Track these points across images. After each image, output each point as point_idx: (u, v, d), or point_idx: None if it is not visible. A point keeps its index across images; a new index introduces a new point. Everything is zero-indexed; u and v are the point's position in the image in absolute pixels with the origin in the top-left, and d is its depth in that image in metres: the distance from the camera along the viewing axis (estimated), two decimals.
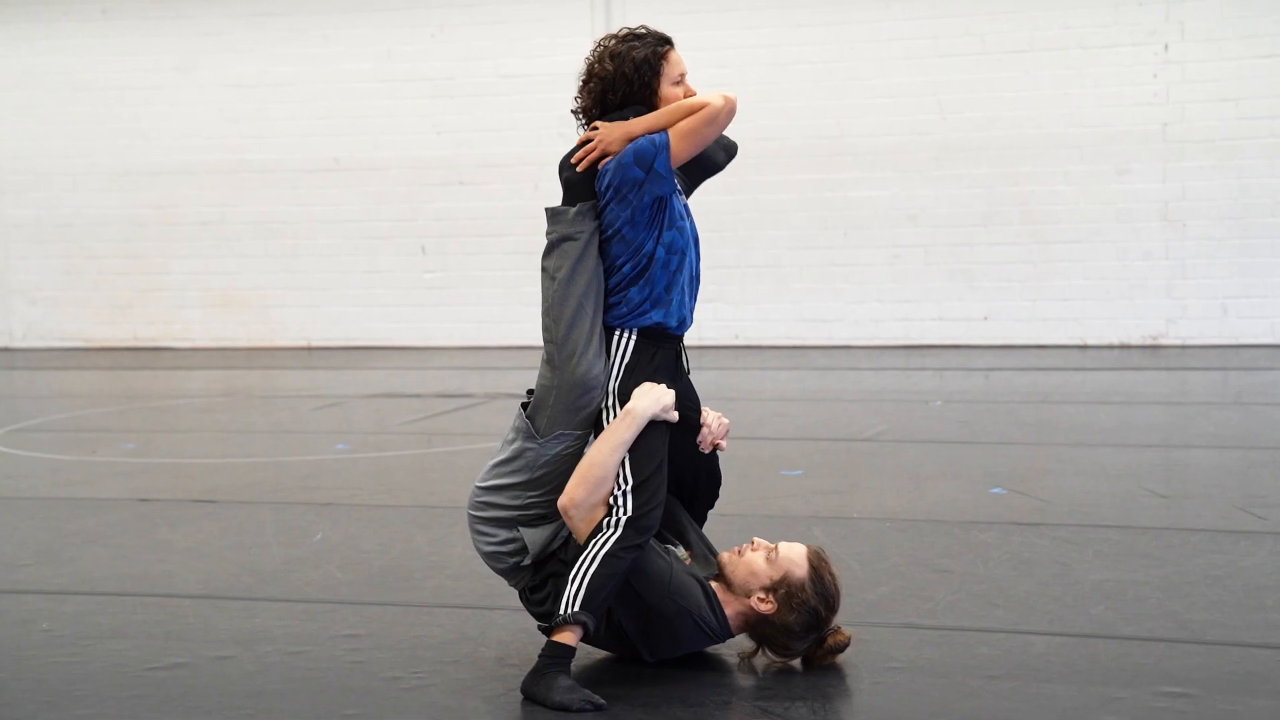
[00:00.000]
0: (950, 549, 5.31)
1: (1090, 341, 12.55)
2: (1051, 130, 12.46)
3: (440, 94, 13.37)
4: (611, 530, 3.82)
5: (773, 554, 3.93)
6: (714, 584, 4.00)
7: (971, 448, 7.69)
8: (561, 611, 3.75)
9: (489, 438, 3.94)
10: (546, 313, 3.97)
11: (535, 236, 14.17)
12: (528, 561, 3.96)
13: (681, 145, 3.93)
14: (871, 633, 4.27)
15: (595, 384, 3.95)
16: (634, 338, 3.98)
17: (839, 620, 4.00)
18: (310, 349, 13.46)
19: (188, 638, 4.34)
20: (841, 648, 3.94)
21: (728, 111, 3.95)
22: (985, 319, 12.73)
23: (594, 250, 3.97)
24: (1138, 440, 7.84)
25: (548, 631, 3.79)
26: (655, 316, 3.98)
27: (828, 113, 12.80)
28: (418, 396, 10.25)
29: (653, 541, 3.93)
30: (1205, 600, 4.57)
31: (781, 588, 3.88)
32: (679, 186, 4.07)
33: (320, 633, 4.36)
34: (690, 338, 4.27)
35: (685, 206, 4.11)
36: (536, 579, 3.97)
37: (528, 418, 3.97)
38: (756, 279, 13.03)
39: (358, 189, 13.54)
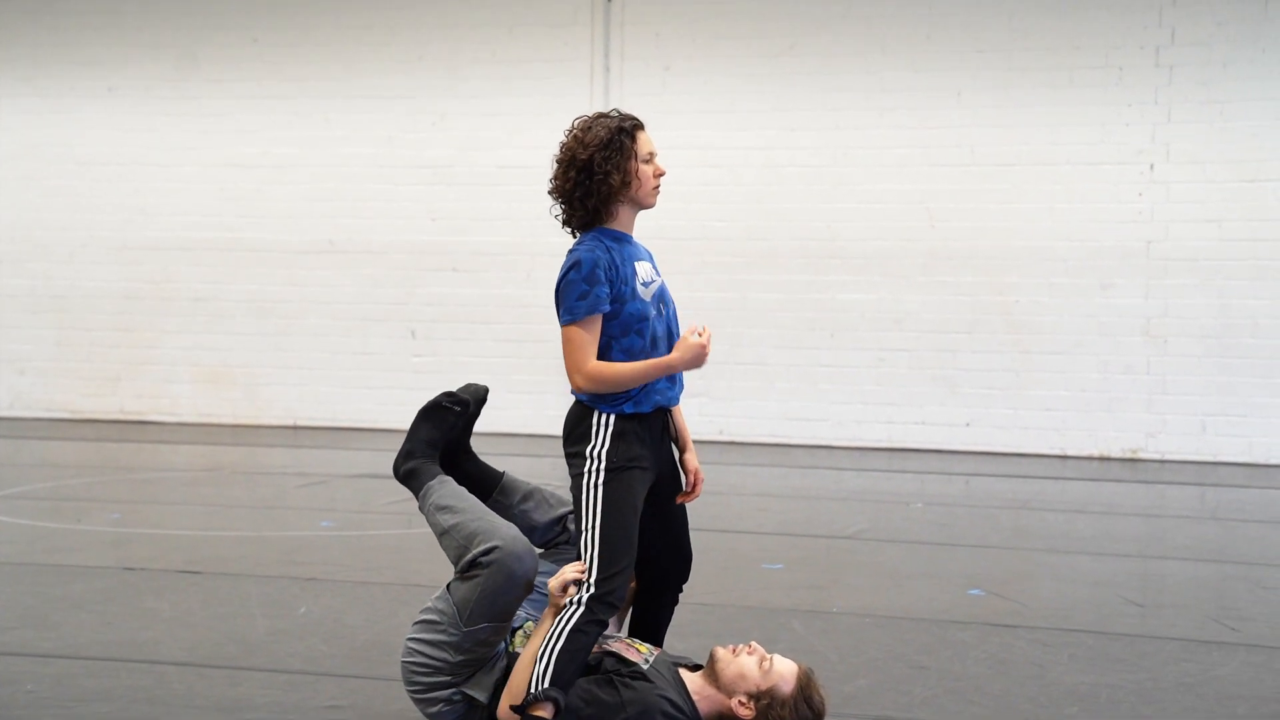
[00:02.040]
0: (928, 646, 5.37)
1: (1070, 452, 12.66)
2: (1037, 243, 12.66)
3: (439, 181, 13.56)
4: (576, 607, 3.89)
5: (766, 663, 4.01)
6: (690, 673, 4.07)
7: (951, 550, 7.76)
8: (531, 689, 3.81)
9: None
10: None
11: (526, 325, 14.19)
12: (484, 703, 4.02)
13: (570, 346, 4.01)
14: None
15: (522, 580, 3.99)
16: (613, 417, 4.07)
17: None
18: (296, 428, 13.52)
19: (171, 704, 4.38)
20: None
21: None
22: (967, 425, 12.85)
23: (450, 490, 4.22)
24: (1115, 550, 7.92)
25: (521, 710, 3.85)
26: (627, 408, 4.06)
27: (819, 215, 13.00)
28: None
29: (608, 669, 3.97)
30: (1178, 706, 4.64)
31: (765, 699, 3.97)
32: (637, 293, 4.09)
33: (303, 703, 4.41)
34: None
35: (653, 300, 4.17)
36: (492, 707, 4.03)
37: (454, 605, 4.00)
38: (743, 376, 13.16)
39: (352, 271, 13.68)
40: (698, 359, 3.99)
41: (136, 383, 14.04)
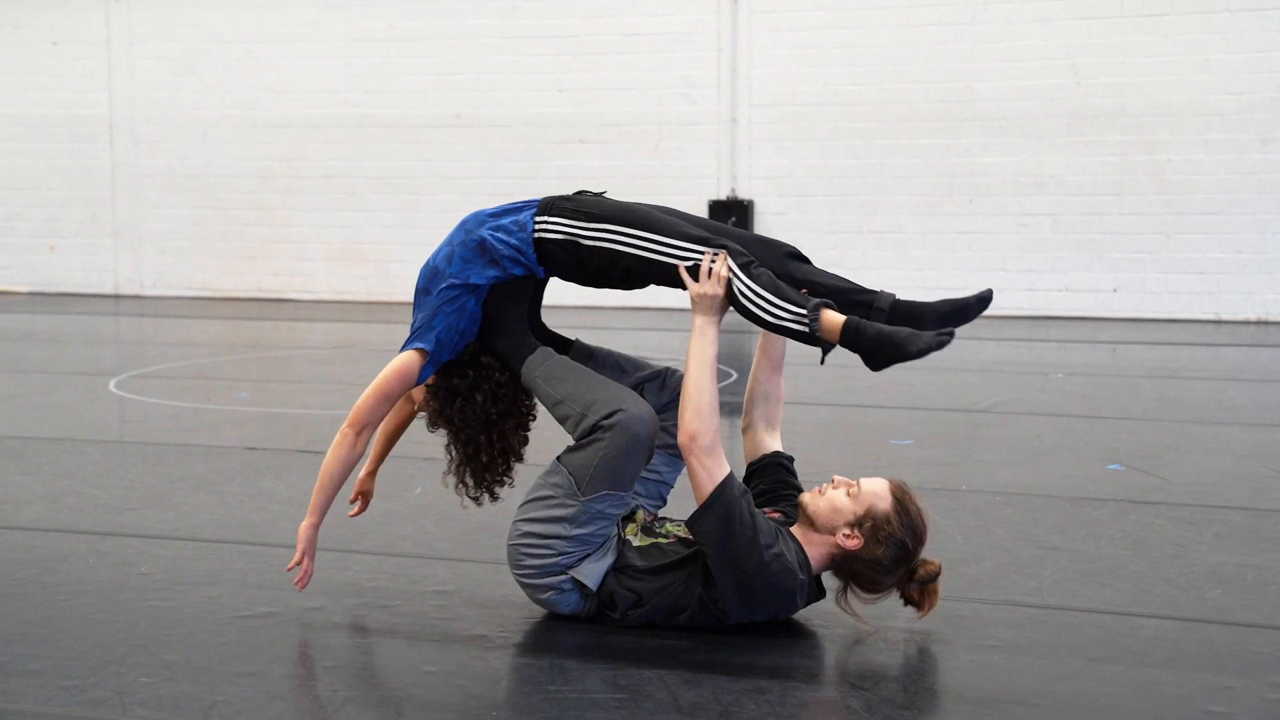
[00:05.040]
0: (1060, 525, 5.13)
1: (1225, 316, 12.13)
2: (1191, 97, 12.03)
3: (563, 51, 13.31)
4: (739, 280, 3.74)
5: (854, 489, 3.83)
6: (793, 529, 3.91)
7: (1091, 422, 7.45)
8: (806, 316, 3.67)
9: None
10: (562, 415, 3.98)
11: (654, 197, 14.01)
12: (593, 590, 3.90)
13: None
14: (971, 609, 4.14)
15: (645, 442, 3.83)
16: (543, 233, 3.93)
17: (926, 553, 3.87)
18: None
19: (280, 587, 4.33)
20: (932, 578, 3.82)
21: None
22: (1114, 291, 12.38)
23: (559, 361, 4.02)
24: (1270, 420, 7.53)
25: (818, 336, 3.70)
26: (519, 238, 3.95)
27: (956, 76, 12.50)
28: None
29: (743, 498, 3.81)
30: None
31: (867, 521, 3.77)
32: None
33: (410, 588, 4.34)
34: None
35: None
36: (602, 596, 3.92)
37: (570, 475, 3.87)
38: (878, 245, 12.81)
39: (479, 145, 13.54)
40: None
41: (272, 261, 14.18)
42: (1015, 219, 12.51)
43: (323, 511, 4.06)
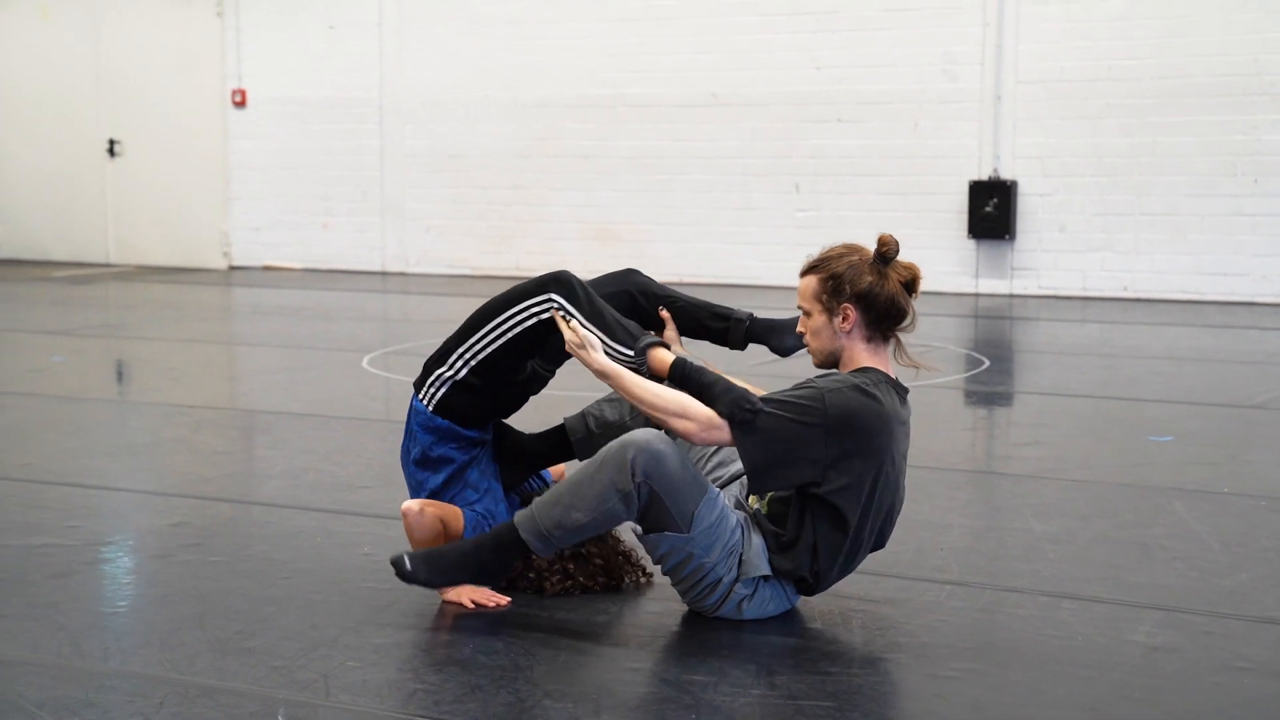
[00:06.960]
0: None
1: None
2: None
3: (821, 28, 13.04)
4: (573, 317, 3.89)
5: (802, 315, 3.89)
6: (835, 379, 3.77)
7: None
8: (634, 359, 3.86)
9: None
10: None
11: (912, 176, 13.59)
12: (769, 572, 3.81)
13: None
14: (1221, 624, 3.82)
15: (669, 448, 3.71)
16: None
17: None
18: (681, 284, 13.49)
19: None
20: (889, 246, 3.76)
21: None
22: None
23: (544, 497, 3.90)
24: None
25: (647, 369, 3.85)
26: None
27: (1243, 48, 11.75)
28: None
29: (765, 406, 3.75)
30: None
31: (826, 298, 3.80)
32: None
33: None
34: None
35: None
36: (787, 570, 3.80)
37: (663, 532, 3.73)
38: (1151, 227, 12.16)
39: (733, 124, 13.40)
40: None
41: (528, 240, 14.35)
42: None
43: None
